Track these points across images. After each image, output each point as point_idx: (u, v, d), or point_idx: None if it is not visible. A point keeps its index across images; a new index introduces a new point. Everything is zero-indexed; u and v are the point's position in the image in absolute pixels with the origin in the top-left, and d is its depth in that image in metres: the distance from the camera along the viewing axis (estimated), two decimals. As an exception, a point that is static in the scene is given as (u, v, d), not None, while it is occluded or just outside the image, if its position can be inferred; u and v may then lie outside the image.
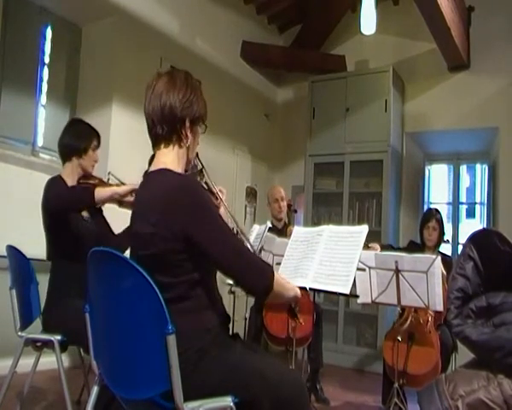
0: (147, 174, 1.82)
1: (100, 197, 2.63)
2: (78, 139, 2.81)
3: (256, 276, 1.69)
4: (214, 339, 1.67)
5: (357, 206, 6.07)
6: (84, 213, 2.85)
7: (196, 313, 1.67)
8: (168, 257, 1.62)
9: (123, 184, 2.88)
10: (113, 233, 2.99)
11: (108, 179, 2.95)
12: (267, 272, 1.71)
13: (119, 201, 2.76)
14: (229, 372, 1.63)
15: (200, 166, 2.08)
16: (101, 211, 3.00)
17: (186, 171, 1.86)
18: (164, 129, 1.73)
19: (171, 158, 1.75)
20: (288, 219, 4.64)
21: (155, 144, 1.78)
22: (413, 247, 4.11)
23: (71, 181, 2.79)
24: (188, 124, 1.75)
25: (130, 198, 2.75)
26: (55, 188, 2.67)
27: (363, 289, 3.30)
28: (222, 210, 2.15)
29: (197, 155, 1.93)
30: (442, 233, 4.10)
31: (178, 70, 1.83)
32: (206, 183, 2.09)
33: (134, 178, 2.98)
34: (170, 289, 1.61)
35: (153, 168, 1.77)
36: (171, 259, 1.62)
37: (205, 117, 1.82)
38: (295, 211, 4.81)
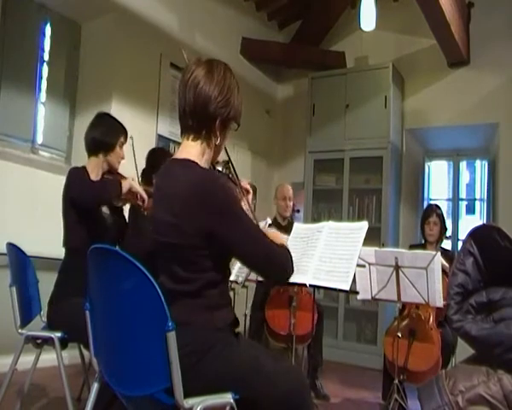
0: (169, 161, 1.78)
1: (124, 189, 2.67)
2: (107, 135, 2.81)
3: (280, 272, 1.75)
4: (222, 339, 1.67)
5: (356, 202, 6.07)
6: (104, 209, 2.84)
7: (208, 311, 1.67)
8: (186, 252, 1.62)
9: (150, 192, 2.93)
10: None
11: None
12: (289, 265, 1.76)
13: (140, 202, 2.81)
14: (231, 367, 1.63)
15: (226, 159, 2.00)
16: (122, 210, 2.99)
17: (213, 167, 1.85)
18: (194, 122, 1.70)
19: (196, 151, 1.72)
20: (291, 218, 4.65)
21: (184, 133, 1.75)
22: (414, 249, 4.03)
23: (95, 175, 2.80)
24: (218, 123, 1.71)
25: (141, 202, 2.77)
26: (80, 182, 2.67)
27: (363, 285, 3.30)
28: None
29: (225, 148, 1.89)
30: (443, 228, 4.05)
31: (218, 61, 1.76)
32: (231, 176, 2.00)
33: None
34: (185, 283, 1.65)
35: (176, 156, 1.75)
36: (189, 254, 1.62)
37: (238, 117, 1.78)
38: (298, 211, 4.84)
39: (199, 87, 1.67)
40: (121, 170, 2.93)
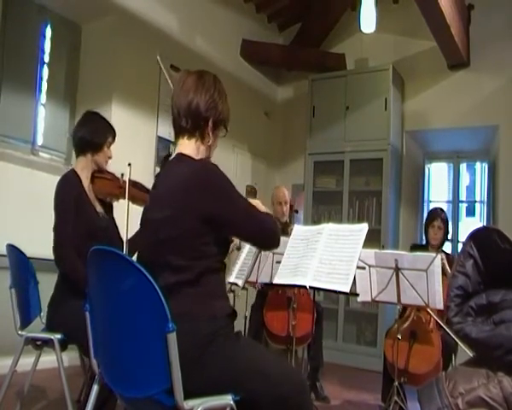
0: (166, 163, 1.91)
1: None
2: (94, 135, 2.79)
3: (273, 240, 1.89)
4: (222, 328, 1.71)
5: (357, 204, 6.07)
6: (99, 209, 2.83)
7: (207, 299, 1.72)
8: (185, 240, 1.70)
9: (135, 182, 2.93)
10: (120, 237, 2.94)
11: (122, 175, 2.92)
12: (277, 232, 1.89)
13: (132, 196, 2.81)
14: (232, 368, 1.64)
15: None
16: (112, 210, 2.97)
17: None
18: (188, 123, 1.82)
19: (191, 148, 1.84)
20: (290, 219, 4.62)
21: (179, 134, 1.87)
22: (416, 249, 4.06)
23: (85, 175, 2.79)
24: (211, 124, 1.84)
25: None
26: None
27: (363, 287, 3.29)
28: None
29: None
30: (446, 232, 4.09)
31: (207, 72, 1.91)
32: None
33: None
34: (181, 272, 1.70)
35: (173, 155, 1.87)
36: (188, 242, 1.70)
37: (227, 121, 1.93)
38: (296, 211, 4.81)
39: (191, 92, 1.81)
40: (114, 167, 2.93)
